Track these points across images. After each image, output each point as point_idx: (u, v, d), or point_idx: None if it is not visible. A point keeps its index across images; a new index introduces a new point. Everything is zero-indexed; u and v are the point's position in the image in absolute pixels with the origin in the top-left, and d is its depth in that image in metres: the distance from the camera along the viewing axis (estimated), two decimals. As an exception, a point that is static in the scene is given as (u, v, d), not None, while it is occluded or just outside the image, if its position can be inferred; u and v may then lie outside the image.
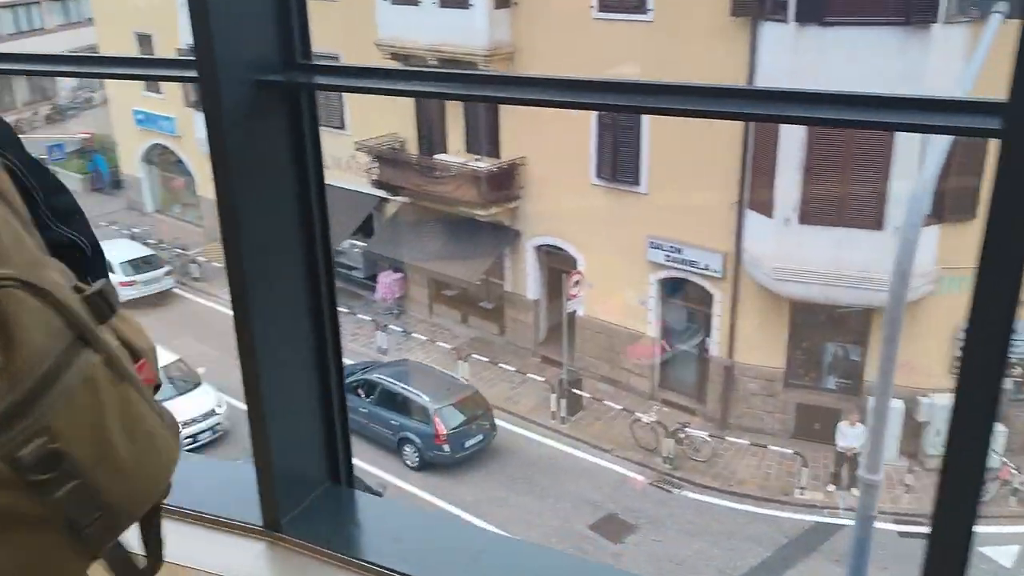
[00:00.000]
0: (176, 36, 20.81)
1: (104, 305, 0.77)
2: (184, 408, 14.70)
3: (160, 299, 20.43)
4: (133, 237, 22.54)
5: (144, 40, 23.33)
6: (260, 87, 1.62)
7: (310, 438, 1.78)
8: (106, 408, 0.73)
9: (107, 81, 26.32)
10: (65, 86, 30.86)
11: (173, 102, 22.94)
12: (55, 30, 29.86)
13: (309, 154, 1.75)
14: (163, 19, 21.53)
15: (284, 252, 1.73)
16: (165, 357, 15.84)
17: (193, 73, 1.61)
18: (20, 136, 0.98)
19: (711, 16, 14.51)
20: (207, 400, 15.23)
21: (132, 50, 23.51)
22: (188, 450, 14.87)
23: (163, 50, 22.52)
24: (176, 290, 20.96)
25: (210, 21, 1.52)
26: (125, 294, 19.50)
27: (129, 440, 0.74)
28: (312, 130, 1.76)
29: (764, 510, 14.08)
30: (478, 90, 1.66)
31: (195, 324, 19.13)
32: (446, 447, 14.59)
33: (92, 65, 1.89)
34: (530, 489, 14.60)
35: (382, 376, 15.73)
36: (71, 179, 26.00)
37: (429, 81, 1.74)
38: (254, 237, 1.65)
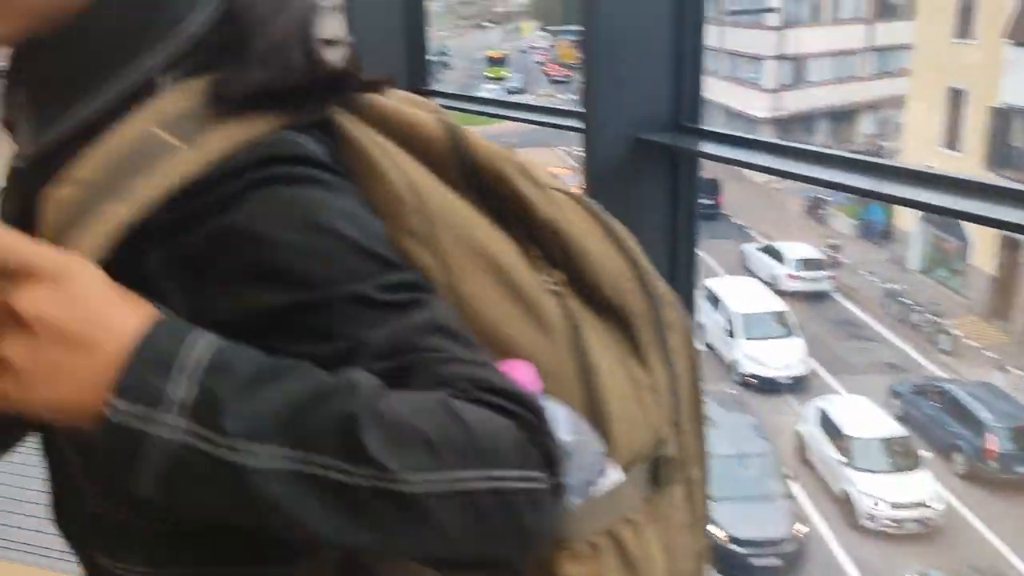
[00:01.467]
0: (993, 94, 19.50)
1: None
2: (894, 489, 13.74)
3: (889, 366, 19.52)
4: (888, 294, 21.94)
5: (956, 95, 22.44)
6: None
7: None
8: None
9: (911, 130, 26.37)
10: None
11: (971, 158, 21.54)
12: (870, 79, 31.13)
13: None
14: (982, 75, 20.55)
15: None
16: (891, 428, 15.01)
17: None
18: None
19: None
20: (921, 488, 13.87)
21: (940, 103, 22.86)
22: (889, 533, 13.77)
23: (973, 108, 21.52)
24: (893, 339, 19.72)
25: None
26: (791, 286, 21.50)
27: None
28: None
29: None
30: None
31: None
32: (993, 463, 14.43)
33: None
34: None
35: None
36: (844, 223, 26.55)
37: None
38: None
